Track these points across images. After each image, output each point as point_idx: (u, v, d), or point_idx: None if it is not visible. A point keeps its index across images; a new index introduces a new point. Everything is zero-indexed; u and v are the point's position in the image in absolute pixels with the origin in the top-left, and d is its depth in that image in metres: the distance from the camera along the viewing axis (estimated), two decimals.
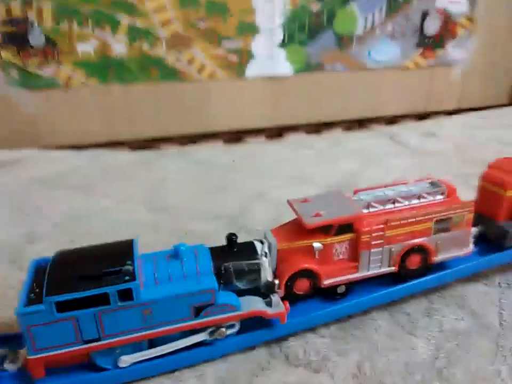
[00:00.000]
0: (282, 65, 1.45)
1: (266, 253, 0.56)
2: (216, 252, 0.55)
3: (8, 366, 0.52)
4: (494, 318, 0.64)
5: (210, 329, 0.53)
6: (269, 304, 0.56)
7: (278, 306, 0.56)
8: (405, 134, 1.46)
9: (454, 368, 0.55)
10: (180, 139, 1.44)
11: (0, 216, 0.93)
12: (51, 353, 0.48)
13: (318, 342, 0.60)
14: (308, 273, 0.58)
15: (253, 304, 0.55)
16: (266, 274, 0.55)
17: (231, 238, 0.55)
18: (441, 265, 0.65)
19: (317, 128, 1.60)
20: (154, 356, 0.52)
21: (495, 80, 1.73)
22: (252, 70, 1.41)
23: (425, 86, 1.67)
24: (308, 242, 0.58)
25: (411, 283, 0.63)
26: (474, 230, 0.68)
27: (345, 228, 0.58)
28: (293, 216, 0.62)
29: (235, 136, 1.51)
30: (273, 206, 0.98)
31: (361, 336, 0.60)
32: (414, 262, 0.62)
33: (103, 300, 0.47)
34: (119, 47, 1.26)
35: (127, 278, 0.47)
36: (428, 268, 0.63)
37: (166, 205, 0.98)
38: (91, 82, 1.27)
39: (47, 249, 0.79)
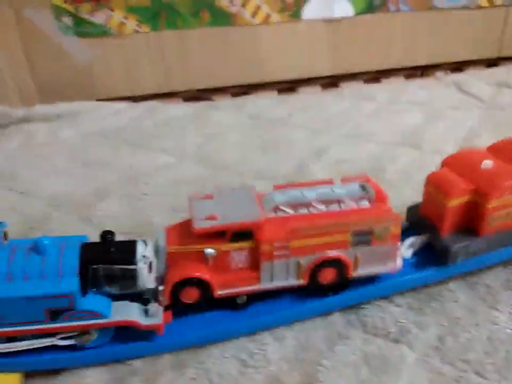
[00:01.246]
0: (342, 5, 1.33)
1: (145, 256, 0.50)
2: (89, 250, 0.49)
3: None
4: None
5: (73, 334, 0.50)
6: (147, 313, 0.51)
7: (155, 317, 0.50)
8: (474, 83, 1.34)
9: None
10: (232, 89, 1.39)
11: (67, 171, 0.96)
12: None
13: (395, 312, 0.59)
14: (197, 282, 0.52)
15: (127, 312, 0.50)
16: (145, 281, 0.49)
17: (105, 237, 0.49)
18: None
19: (376, 76, 1.49)
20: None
21: None
22: (309, 11, 1.31)
23: (499, 27, 1.50)
24: (199, 248, 0.51)
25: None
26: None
27: (242, 234, 0.51)
28: None
29: (289, 86, 1.44)
30: (333, 165, 0.95)
31: (440, 309, 0.59)
32: (328, 276, 0.55)
33: None
34: None
35: None
36: (344, 283, 0.57)
37: (223, 163, 0.97)
38: (143, 29, 1.23)
39: (115, 208, 0.81)
